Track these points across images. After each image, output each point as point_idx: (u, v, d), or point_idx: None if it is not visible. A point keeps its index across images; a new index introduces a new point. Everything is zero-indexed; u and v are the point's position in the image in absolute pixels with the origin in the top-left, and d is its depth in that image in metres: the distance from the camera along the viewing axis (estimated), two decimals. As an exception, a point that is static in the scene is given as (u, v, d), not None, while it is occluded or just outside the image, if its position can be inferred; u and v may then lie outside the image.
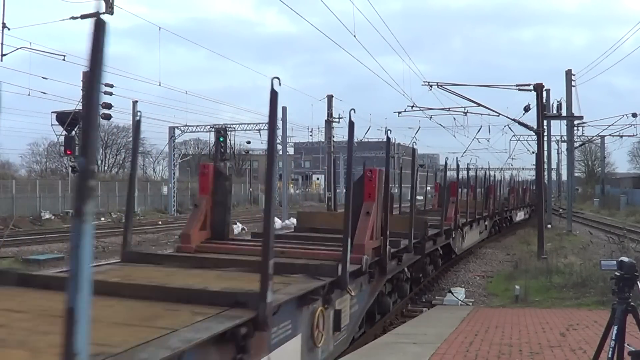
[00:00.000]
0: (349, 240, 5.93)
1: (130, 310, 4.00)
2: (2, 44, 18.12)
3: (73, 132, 25.97)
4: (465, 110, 28.95)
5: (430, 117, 31.92)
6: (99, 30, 2.44)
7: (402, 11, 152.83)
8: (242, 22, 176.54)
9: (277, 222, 32.38)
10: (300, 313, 5.11)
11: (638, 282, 4.48)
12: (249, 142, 50.58)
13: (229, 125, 40.56)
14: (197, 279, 5.30)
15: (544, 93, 22.09)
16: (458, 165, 22.24)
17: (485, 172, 27.42)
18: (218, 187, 7.75)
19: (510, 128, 36.12)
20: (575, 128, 35.72)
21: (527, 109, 22.84)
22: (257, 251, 5.55)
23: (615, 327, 4.45)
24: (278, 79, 3.94)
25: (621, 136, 42.03)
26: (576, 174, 58.66)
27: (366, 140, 45.99)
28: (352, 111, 6.16)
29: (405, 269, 10.06)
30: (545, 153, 28.05)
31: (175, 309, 4.03)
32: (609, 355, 4.43)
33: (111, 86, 28.41)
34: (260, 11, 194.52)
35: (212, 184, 7.72)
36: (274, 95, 4.00)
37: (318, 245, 7.82)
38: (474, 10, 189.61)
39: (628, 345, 4.43)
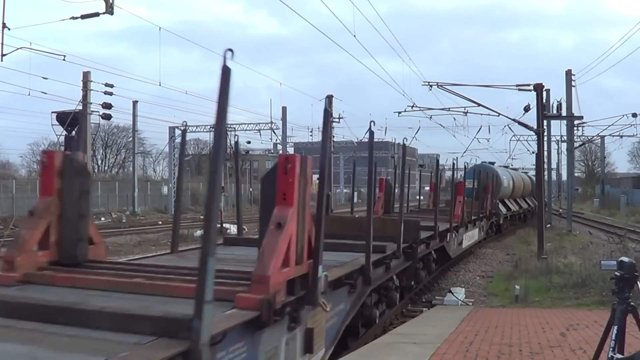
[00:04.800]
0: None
1: None
2: (2, 44, 18.13)
3: (73, 132, 25.97)
4: (465, 110, 29.02)
5: (430, 117, 31.96)
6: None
7: (389, 13, 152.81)
8: (233, 24, 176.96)
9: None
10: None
11: (638, 282, 4.48)
12: (249, 142, 50.56)
13: (228, 126, 40.56)
14: None
15: (544, 93, 22.11)
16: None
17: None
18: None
19: (510, 128, 36.22)
20: (575, 128, 35.76)
21: (527, 109, 22.85)
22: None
23: (615, 327, 4.45)
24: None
25: (621, 136, 42.15)
26: (576, 174, 58.67)
27: (366, 140, 46.07)
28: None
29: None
30: (545, 153, 28.06)
31: None
32: (609, 355, 4.43)
33: (111, 86, 28.43)
34: (250, 14, 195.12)
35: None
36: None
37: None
38: (460, 12, 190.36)
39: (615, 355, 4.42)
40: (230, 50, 3.23)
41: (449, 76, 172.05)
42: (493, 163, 34.34)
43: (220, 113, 3.31)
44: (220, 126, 3.36)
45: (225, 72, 3.26)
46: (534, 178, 42.05)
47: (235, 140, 10.65)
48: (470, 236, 19.35)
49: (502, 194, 29.09)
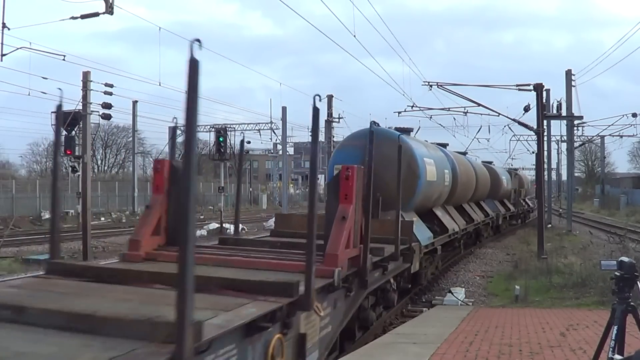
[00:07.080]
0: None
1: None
2: (2, 44, 18.09)
3: (73, 132, 25.94)
4: (465, 110, 28.95)
5: (430, 117, 31.86)
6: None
7: (384, 14, 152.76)
8: (229, 25, 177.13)
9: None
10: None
11: (638, 282, 4.48)
12: (249, 142, 50.67)
13: (228, 126, 40.58)
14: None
15: (544, 93, 22.09)
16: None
17: None
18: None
19: (510, 128, 36.16)
20: (575, 128, 35.72)
21: (527, 109, 22.83)
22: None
23: (615, 327, 4.45)
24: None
25: (621, 136, 42.10)
26: (576, 174, 58.73)
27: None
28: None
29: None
30: (545, 153, 28.02)
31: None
32: (609, 355, 4.43)
33: (111, 86, 28.38)
34: (245, 15, 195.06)
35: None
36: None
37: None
38: (453, 13, 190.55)
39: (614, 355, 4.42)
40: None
41: (444, 77, 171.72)
42: (409, 131, 15.59)
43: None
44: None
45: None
46: (499, 170, 31.13)
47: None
48: None
49: (424, 196, 14.09)
